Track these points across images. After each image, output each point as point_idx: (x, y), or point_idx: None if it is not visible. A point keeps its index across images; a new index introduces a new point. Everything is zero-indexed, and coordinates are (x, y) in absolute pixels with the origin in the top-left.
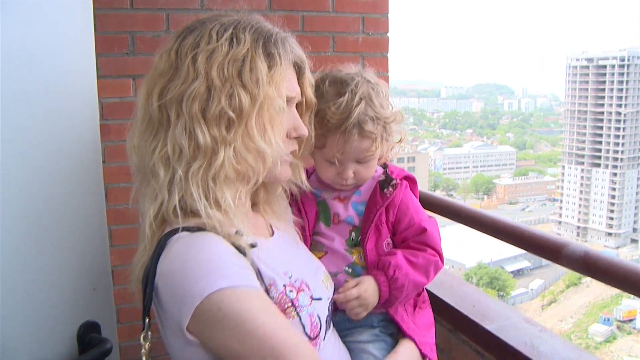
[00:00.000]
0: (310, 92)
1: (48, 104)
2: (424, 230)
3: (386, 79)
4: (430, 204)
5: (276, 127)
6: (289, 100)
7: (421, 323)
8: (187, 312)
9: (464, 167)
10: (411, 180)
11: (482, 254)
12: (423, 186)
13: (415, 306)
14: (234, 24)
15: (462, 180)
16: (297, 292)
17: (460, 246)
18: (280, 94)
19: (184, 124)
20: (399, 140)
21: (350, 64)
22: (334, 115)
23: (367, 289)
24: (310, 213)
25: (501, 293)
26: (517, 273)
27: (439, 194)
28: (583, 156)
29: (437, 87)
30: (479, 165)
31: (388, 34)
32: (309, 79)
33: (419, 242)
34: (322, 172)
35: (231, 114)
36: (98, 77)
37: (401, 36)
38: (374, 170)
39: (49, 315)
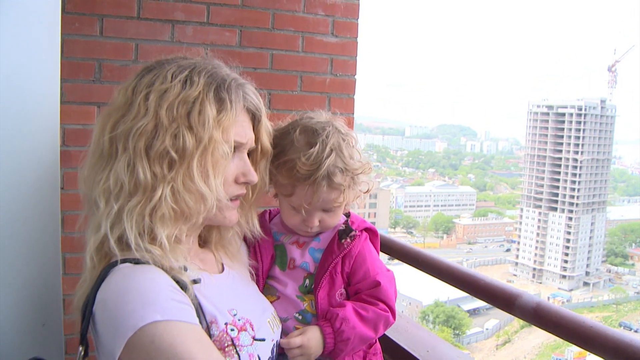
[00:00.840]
0: (266, 140)
1: (7, 127)
2: (378, 284)
3: (351, 120)
4: (388, 248)
5: (219, 171)
6: (239, 145)
7: None
8: (120, 343)
9: (425, 206)
10: (372, 232)
11: (439, 292)
12: (384, 223)
13: (364, 358)
14: (190, 67)
15: (422, 218)
16: (239, 331)
17: (417, 284)
18: (227, 139)
19: (127, 158)
20: (366, 191)
21: (322, 111)
22: (304, 166)
23: (310, 338)
24: (266, 256)
25: (457, 332)
26: (473, 312)
27: (399, 231)
28: (541, 200)
29: (401, 126)
30: (439, 204)
31: (355, 76)
32: (266, 126)
33: (371, 295)
34: (287, 218)
35: (173, 153)
36: (62, 102)
37: (368, 73)
38: (339, 219)
39: None
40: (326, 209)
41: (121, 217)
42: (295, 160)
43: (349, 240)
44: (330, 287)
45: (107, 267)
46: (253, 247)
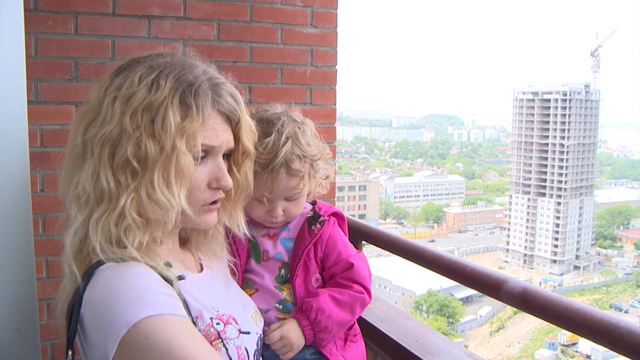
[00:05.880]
0: (247, 140)
1: None
2: (351, 266)
3: (334, 111)
4: (373, 238)
5: (182, 180)
6: (210, 149)
7: (351, 356)
8: (113, 342)
9: (415, 196)
10: (339, 217)
11: (432, 281)
12: (374, 215)
13: (346, 340)
14: (159, 69)
15: (412, 208)
16: (225, 325)
17: (410, 274)
18: (191, 145)
19: (92, 166)
20: (326, 177)
21: (276, 104)
22: (262, 155)
23: (289, 329)
24: (242, 251)
25: (451, 320)
26: (467, 300)
27: (389, 222)
28: (529, 186)
29: (388, 117)
30: (429, 194)
31: (336, 67)
32: (247, 126)
33: (346, 278)
34: (252, 211)
35: (135, 163)
36: (39, 102)
37: (354, 65)
38: (303, 207)
39: None
40: (288, 198)
41: (88, 226)
42: None
43: (318, 225)
44: (305, 274)
45: (91, 268)
46: (229, 243)
